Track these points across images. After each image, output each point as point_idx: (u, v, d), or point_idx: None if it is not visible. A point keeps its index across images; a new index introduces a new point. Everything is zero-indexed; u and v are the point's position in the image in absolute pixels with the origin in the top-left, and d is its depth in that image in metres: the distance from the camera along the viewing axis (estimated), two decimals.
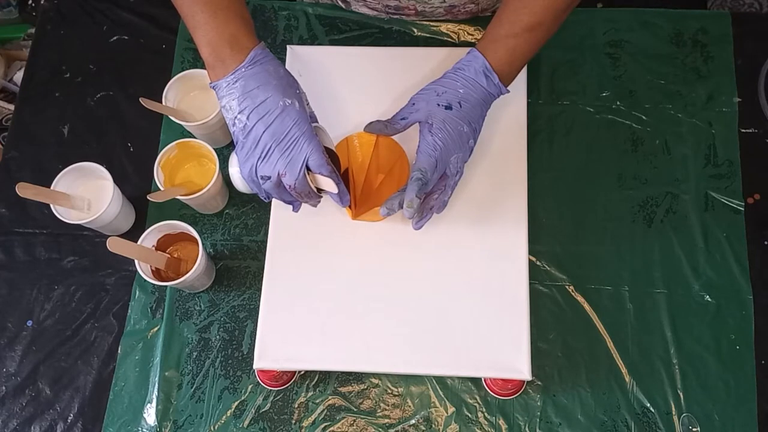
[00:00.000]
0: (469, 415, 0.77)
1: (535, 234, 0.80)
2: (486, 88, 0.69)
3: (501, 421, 0.76)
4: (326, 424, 0.77)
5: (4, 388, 0.80)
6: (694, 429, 0.75)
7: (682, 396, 0.76)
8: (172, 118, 0.82)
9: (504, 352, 0.71)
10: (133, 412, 0.78)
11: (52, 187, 0.79)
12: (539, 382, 0.78)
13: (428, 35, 0.92)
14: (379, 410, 0.78)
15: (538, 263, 0.82)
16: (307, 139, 0.64)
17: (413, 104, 0.70)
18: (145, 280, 0.78)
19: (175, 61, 0.93)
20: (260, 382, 0.78)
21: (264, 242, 0.77)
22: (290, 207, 0.71)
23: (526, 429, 0.76)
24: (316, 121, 0.72)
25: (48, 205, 0.78)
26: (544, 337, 0.79)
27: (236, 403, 0.78)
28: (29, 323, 0.83)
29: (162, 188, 0.79)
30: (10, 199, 0.87)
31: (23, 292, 0.84)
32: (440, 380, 0.78)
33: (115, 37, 0.96)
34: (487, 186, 0.77)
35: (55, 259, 0.85)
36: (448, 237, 0.75)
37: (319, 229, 0.76)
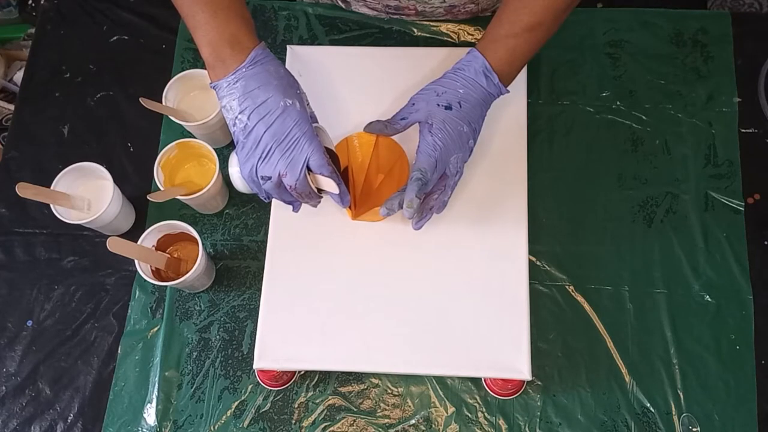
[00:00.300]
0: (469, 415, 0.77)
1: (535, 234, 0.80)
2: (486, 88, 0.69)
3: (501, 421, 0.76)
4: (326, 424, 0.77)
5: (4, 388, 0.80)
6: (694, 429, 0.75)
7: (682, 396, 0.76)
8: (172, 118, 0.82)
9: (504, 352, 0.71)
10: (133, 412, 0.78)
11: (52, 187, 0.79)
12: (539, 382, 0.78)
13: (428, 35, 0.92)
14: (379, 410, 0.78)
15: (538, 263, 0.82)
16: (308, 140, 0.64)
17: (413, 104, 0.70)
18: (145, 280, 0.78)
19: (175, 61, 0.93)
20: (260, 382, 0.78)
21: (264, 242, 0.77)
22: (290, 207, 0.71)
23: (526, 429, 0.76)
24: (316, 122, 0.72)
25: (48, 205, 0.78)
26: (544, 337, 0.79)
27: (236, 403, 0.78)
28: (29, 323, 0.83)
29: (162, 188, 0.79)
30: (10, 199, 0.87)
31: (23, 292, 0.84)
32: (440, 380, 0.78)
33: (115, 37, 0.96)
34: (487, 186, 0.77)
35: (55, 259, 0.85)
36: (448, 237, 0.75)
37: (319, 229, 0.76)
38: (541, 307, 0.80)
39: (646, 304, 0.80)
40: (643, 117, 0.87)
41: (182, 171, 0.83)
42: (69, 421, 0.79)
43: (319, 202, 0.70)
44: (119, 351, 0.81)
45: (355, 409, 0.78)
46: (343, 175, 0.71)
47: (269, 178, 0.65)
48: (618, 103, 0.88)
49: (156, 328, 0.81)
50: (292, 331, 0.73)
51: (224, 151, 0.87)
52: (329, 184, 0.66)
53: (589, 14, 0.92)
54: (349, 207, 0.73)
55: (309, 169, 0.65)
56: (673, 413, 0.76)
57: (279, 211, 0.77)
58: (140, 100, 0.77)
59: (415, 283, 0.74)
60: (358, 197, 0.76)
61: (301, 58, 0.83)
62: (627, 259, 0.81)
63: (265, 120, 0.64)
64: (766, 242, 0.82)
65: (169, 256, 0.78)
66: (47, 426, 0.79)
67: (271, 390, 0.78)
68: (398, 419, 0.77)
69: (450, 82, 0.69)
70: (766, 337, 0.78)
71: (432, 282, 0.74)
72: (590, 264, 0.81)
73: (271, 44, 0.93)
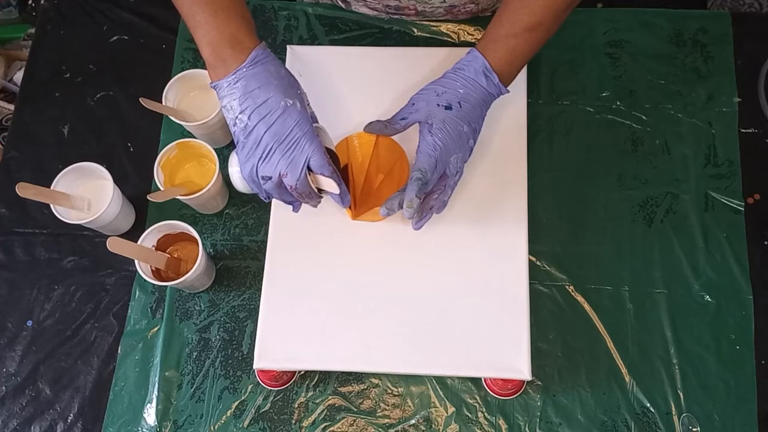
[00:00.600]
0: (469, 415, 0.77)
1: (535, 234, 0.80)
2: (486, 88, 0.69)
3: (501, 421, 0.76)
4: (326, 424, 0.77)
5: (4, 388, 0.80)
6: (694, 429, 0.75)
7: (682, 396, 0.76)
8: (172, 118, 0.82)
9: (504, 352, 0.71)
10: (133, 412, 0.78)
11: (52, 187, 0.79)
12: (539, 382, 0.78)
13: (428, 35, 0.92)
14: (379, 410, 0.78)
15: (538, 263, 0.82)
16: (308, 140, 0.64)
17: (413, 104, 0.70)
18: (145, 280, 0.78)
19: (175, 61, 0.93)
20: (260, 382, 0.78)
21: (264, 242, 0.77)
22: (290, 207, 0.71)
23: (526, 429, 0.76)
24: (317, 122, 0.72)
25: (48, 205, 0.78)
26: (544, 337, 0.79)
27: (236, 403, 0.78)
28: (29, 323, 0.83)
29: (162, 188, 0.79)
30: (10, 199, 0.87)
31: (23, 292, 0.84)
32: (440, 380, 0.78)
33: (115, 37, 0.96)
34: (487, 186, 0.77)
35: (55, 259, 0.85)
36: (448, 237, 0.75)
37: (319, 229, 0.76)
38: (541, 307, 0.80)
39: (646, 304, 0.80)
40: (643, 117, 0.87)
41: (182, 171, 0.83)
42: (69, 421, 0.79)
43: (320, 202, 0.70)
44: (119, 351, 0.81)
45: (355, 409, 0.78)
46: (342, 174, 0.71)
47: (270, 178, 0.65)
48: (618, 103, 0.88)
49: (156, 328, 0.81)
50: (292, 331, 0.73)
51: (224, 151, 0.87)
52: (330, 185, 0.66)
53: (589, 14, 0.92)
54: (349, 207, 0.73)
55: (309, 169, 0.65)
56: (673, 413, 0.76)
57: (279, 211, 0.77)
58: (140, 100, 0.77)
59: (415, 283, 0.74)
60: (358, 197, 0.76)
61: (301, 58, 0.83)
62: (627, 259, 0.81)
63: (265, 120, 0.64)
64: (766, 242, 0.82)
65: (169, 256, 0.78)
66: (47, 426, 0.79)
67: (271, 390, 0.78)
68: (398, 419, 0.77)
69: (450, 82, 0.69)
70: (766, 337, 0.78)
71: (432, 282, 0.74)
72: (590, 264, 0.81)
73: (271, 44, 0.93)
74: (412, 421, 0.77)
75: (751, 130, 0.87)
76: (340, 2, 0.94)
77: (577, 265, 0.81)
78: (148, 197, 0.76)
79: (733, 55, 0.89)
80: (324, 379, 0.79)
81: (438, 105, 0.68)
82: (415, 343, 0.72)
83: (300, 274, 0.75)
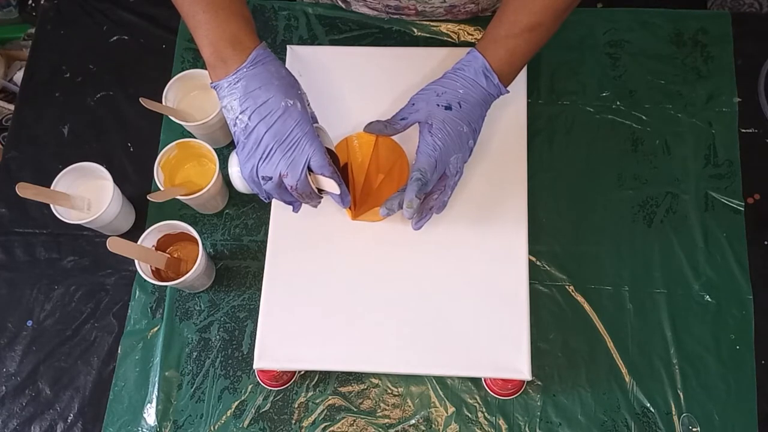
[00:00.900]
0: (469, 415, 0.77)
1: (535, 234, 0.80)
2: (486, 89, 0.69)
3: (501, 421, 0.76)
4: (326, 424, 0.77)
5: (4, 388, 0.80)
6: (694, 429, 0.75)
7: (682, 396, 0.76)
8: (172, 118, 0.82)
9: (504, 352, 0.71)
10: (133, 412, 0.78)
11: (52, 187, 0.79)
12: (539, 382, 0.78)
13: (428, 35, 0.92)
14: (379, 410, 0.78)
15: (538, 263, 0.82)
16: (309, 140, 0.64)
17: (413, 104, 0.70)
18: (145, 280, 0.78)
19: (175, 61, 0.93)
20: (260, 382, 0.78)
21: (264, 242, 0.77)
22: (290, 207, 0.71)
23: (526, 429, 0.76)
24: (317, 122, 0.72)
25: (48, 205, 0.78)
26: (544, 337, 0.79)
27: (236, 403, 0.78)
28: (29, 323, 0.83)
29: (162, 188, 0.79)
30: (10, 199, 0.87)
31: (23, 292, 0.84)
32: (440, 380, 0.78)
33: (115, 37, 0.96)
34: (487, 186, 0.77)
35: (55, 259, 0.85)
36: (448, 237, 0.75)
37: (319, 229, 0.76)
38: (541, 307, 0.80)
39: (646, 304, 0.80)
40: (643, 117, 0.87)
41: (182, 171, 0.83)
42: (69, 421, 0.79)
43: (320, 202, 0.70)
44: (119, 351, 0.81)
45: (355, 409, 0.78)
46: (342, 173, 0.71)
47: (270, 178, 0.65)
48: (618, 103, 0.88)
49: (156, 328, 0.81)
50: (292, 331, 0.73)
51: (224, 151, 0.87)
52: (330, 185, 0.66)
53: (589, 14, 0.92)
54: (349, 207, 0.73)
55: (310, 169, 0.65)
56: (673, 413, 0.76)
57: (279, 211, 0.77)
58: (140, 100, 0.77)
59: (415, 283, 0.74)
60: (358, 197, 0.76)
61: (301, 58, 0.83)
62: (627, 259, 0.81)
63: (266, 120, 0.64)
64: (766, 242, 0.82)
65: (169, 256, 0.78)
66: (47, 426, 0.79)
67: (271, 390, 0.78)
68: (398, 419, 0.77)
69: (450, 83, 0.69)
70: (766, 337, 0.78)
71: (432, 282, 0.74)
72: (590, 264, 0.81)
73: (271, 44, 0.93)
74: (412, 421, 0.77)
75: (751, 130, 0.87)
76: (340, 2, 0.94)
77: (577, 265, 0.81)
78: (148, 197, 0.76)
79: (733, 55, 0.89)
80: (324, 379, 0.79)
81: (438, 105, 0.68)
82: (415, 343, 0.72)
83: (300, 274, 0.75)
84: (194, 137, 0.83)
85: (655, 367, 0.77)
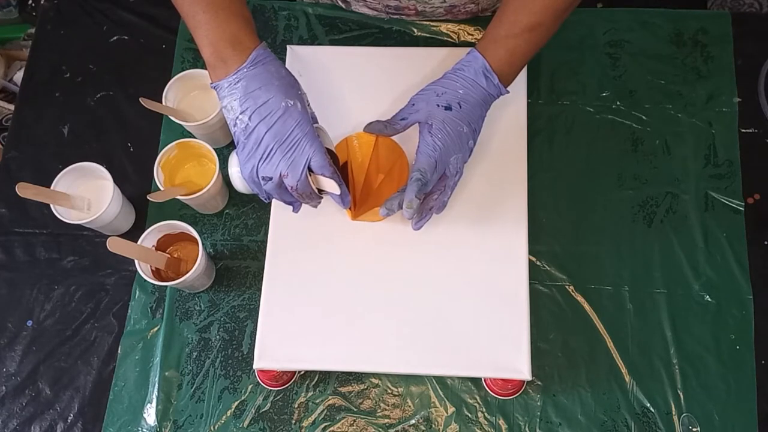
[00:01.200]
0: (469, 415, 0.77)
1: (535, 234, 0.80)
2: (486, 89, 0.69)
3: (501, 421, 0.76)
4: (326, 424, 0.77)
5: (4, 388, 0.80)
6: (694, 429, 0.75)
7: (682, 396, 0.76)
8: (172, 118, 0.82)
9: (504, 352, 0.71)
10: (133, 412, 0.78)
11: (52, 187, 0.79)
12: (539, 382, 0.78)
13: (428, 35, 0.92)
14: (379, 410, 0.78)
15: (538, 263, 0.82)
16: (309, 141, 0.64)
17: (413, 105, 0.70)
18: (145, 280, 0.78)
19: (175, 61, 0.93)
20: (260, 382, 0.78)
21: (264, 242, 0.77)
22: (290, 207, 0.71)
23: (526, 429, 0.76)
24: (317, 122, 0.72)
25: (48, 205, 0.78)
26: (544, 337, 0.79)
27: (236, 403, 0.78)
28: (29, 323, 0.83)
29: (162, 188, 0.79)
30: (10, 199, 0.87)
31: (23, 292, 0.84)
32: (440, 380, 0.78)
33: (115, 37, 0.96)
34: (487, 186, 0.77)
35: (55, 259, 0.85)
36: (447, 237, 0.75)
37: (319, 229, 0.76)
38: (541, 307, 0.80)
39: (646, 304, 0.80)
40: (643, 117, 0.87)
41: (182, 171, 0.83)
42: (69, 421, 0.79)
43: (320, 202, 0.70)
44: (119, 351, 0.81)
45: (355, 409, 0.78)
46: (341, 172, 0.71)
47: (270, 178, 0.65)
48: (618, 103, 0.88)
49: (156, 328, 0.81)
50: (292, 331, 0.73)
51: (224, 151, 0.87)
52: (331, 185, 0.66)
53: (589, 14, 0.92)
54: (349, 207, 0.73)
55: (310, 169, 0.65)
56: (673, 413, 0.76)
57: (279, 211, 0.77)
58: (140, 100, 0.77)
59: (415, 283, 0.74)
60: (358, 197, 0.76)
61: (301, 58, 0.83)
62: (627, 259, 0.81)
63: (266, 121, 0.64)
64: (766, 242, 0.82)
65: (169, 256, 0.78)
66: (47, 426, 0.79)
67: (271, 390, 0.78)
68: (398, 419, 0.77)
69: (450, 83, 0.69)
70: (766, 337, 0.78)
71: (432, 282, 0.74)
72: (590, 264, 0.81)
73: (271, 44, 0.93)
74: (412, 421, 0.77)
75: (751, 130, 0.87)
76: (340, 2, 0.94)
77: (577, 265, 0.81)
78: (148, 197, 0.76)
79: (733, 55, 0.89)
80: (324, 379, 0.79)
81: (438, 105, 0.68)
82: (415, 343, 0.72)
83: (300, 274, 0.75)
84: (194, 137, 0.83)
85: (655, 367, 0.77)
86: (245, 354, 0.80)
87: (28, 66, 0.96)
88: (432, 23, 0.93)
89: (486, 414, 0.77)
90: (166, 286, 0.83)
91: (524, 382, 0.76)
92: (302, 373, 0.79)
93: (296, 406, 0.78)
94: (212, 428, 0.77)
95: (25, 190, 0.74)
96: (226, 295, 0.82)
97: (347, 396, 0.78)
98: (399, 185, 0.72)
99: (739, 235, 0.82)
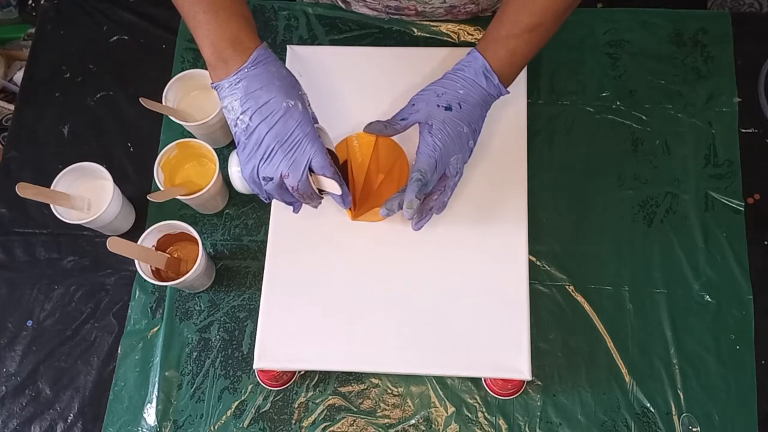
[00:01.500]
0: (469, 415, 0.77)
1: (535, 234, 0.80)
2: (486, 89, 0.69)
3: (501, 421, 0.76)
4: (326, 424, 0.77)
5: (4, 388, 0.80)
6: (694, 429, 0.75)
7: (682, 396, 0.76)
8: (172, 118, 0.82)
9: (504, 352, 0.71)
10: (133, 412, 0.78)
11: (52, 187, 0.79)
12: (539, 382, 0.78)
13: (428, 35, 0.92)
14: (379, 410, 0.78)
15: (538, 263, 0.82)
16: (310, 141, 0.64)
17: (413, 105, 0.70)
18: (145, 280, 0.78)
19: (175, 61, 0.93)
20: (260, 382, 0.78)
21: (264, 242, 0.77)
22: (290, 208, 0.71)
23: (526, 429, 0.76)
24: (317, 122, 0.72)
25: (48, 205, 0.78)
26: (544, 337, 0.79)
27: (236, 403, 0.78)
28: (29, 323, 0.83)
29: (162, 188, 0.79)
30: (10, 199, 0.87)
31: (23, 292, 0.84)
32: (440, 380, 0.78)
33: (115, 37, 0.96)
34: (487, 186, 0.77)
35: (55, 259, 0.85)
36: (447, 237, 0.75)
37: (319, 229, 0.76)
38: (541, 307, 0.80)
39: (646, 304, 0.80)
40: (643, 117, 0.87)
41: (182, 171, 0.83)
42: (69, 421, 0.79)
43: (320, 202, 0.70)
44: (119, 351, 0.81)
45: (355, 409, 0.78)
46: (341, 171, 0.71)
47: (271, 178, 0.65)
48: (618, 103, 0.88)
49: (156, 328, 0.81)
50: (292, 331, 0.73)
51: (224, 151, 0.87)
52: (331, 185, 0.66)
53: (589, 14, 0.92)
54: (350, 208, 0.73)
55: (311, 170, 0.65)
56: (673, 413, 0.76)
57: (279, 211, 0.77)
58: (140, 100, 0.77)
59: (415, 283, 0.74)
60: (358, 198, 0.76)
61: (301, 58, 0.83)
62: (627, 259, 0.81)
63: (267, 121, 0.64)
64: (766, 242, 0.82)
65: (169, 256, 0.78)
66: (47, 426, 0.79)
67: (271, 390, 0.78)
68: (398, 419, 0.77)
69: (450, 83, 0.69)
70: (766, 337, 0.78)
71: (432, 282, 0.74)
72: (590, 264, 0.81)
73: (271, 44, 0.93)
74: (412, 421, 0.77)
75: (751, 130, 0.87)
76: (340, 2, 0.94)
77: (577, 265, 0.81)
78: (148, 197, 0.76)
79: (733, 55, 0.89)
80: (324, 379, 0.79)
81: (438, 106, 0.68)
82: (415, 343, 0.72)
83: (300, 274, 0.75)
84: (194, 137, 0.83)
85: (655, 367, 0.78)
86: (245, 354, 0.80)
87: (28, 66, 0.96)
88: (432, 23, 0.93)
89: (486, 414, 0.77)
90: (166, 286, 0.83)
91: (524, 382, 0.76)
92: (302, 373, 0.79)
93: (296, 406, 0.78)
94: (212, 428, 0.77)
95: (25, 190, 0.74)
96: (226, 295, 0.82)
97: (347, 396, 0.78)
98: (399, 185, 0.72)
99: (739, 235, 0.82)
